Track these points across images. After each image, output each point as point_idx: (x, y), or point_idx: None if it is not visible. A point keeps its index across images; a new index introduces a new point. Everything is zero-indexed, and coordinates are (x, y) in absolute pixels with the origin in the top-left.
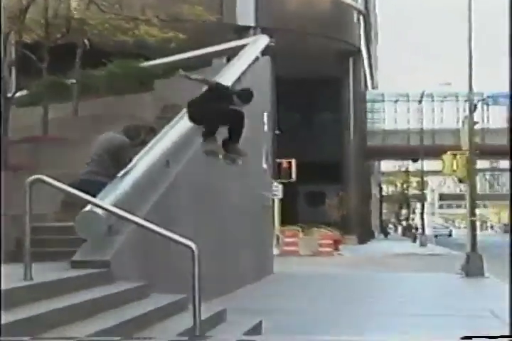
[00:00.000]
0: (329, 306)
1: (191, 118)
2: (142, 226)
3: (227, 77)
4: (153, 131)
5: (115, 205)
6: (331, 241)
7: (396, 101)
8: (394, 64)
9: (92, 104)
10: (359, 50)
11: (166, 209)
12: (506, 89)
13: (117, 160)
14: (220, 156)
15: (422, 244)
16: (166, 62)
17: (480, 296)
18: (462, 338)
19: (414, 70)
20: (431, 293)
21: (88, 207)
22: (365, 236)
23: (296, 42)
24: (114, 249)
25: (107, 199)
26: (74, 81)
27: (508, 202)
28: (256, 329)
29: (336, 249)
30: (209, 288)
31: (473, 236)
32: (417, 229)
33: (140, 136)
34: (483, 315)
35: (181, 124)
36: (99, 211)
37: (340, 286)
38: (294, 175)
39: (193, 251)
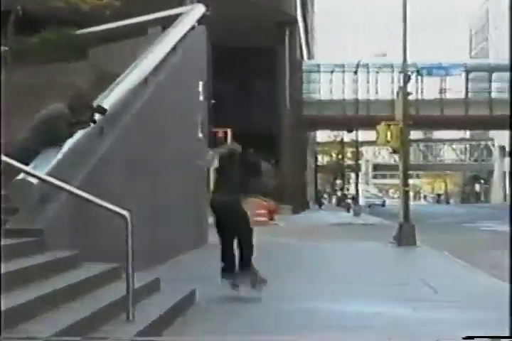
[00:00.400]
0: (263, 274)
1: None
2: (75, 195)
3: (163, 46)
4: (103, 111)
5: (49, 174)
6: (265, 211)
7: (332, 72)
8: (330, 34)
9: (25, 71)
10: (295, 20)
11: (100, 178)
12: (439, 60)
13: (53, 129)
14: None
15: (356, 214)
16: (101, 30)
17: (412, 265)
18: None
19: (350, 41)
20: (363, 262)
21: (21, 176)
22: (300, 206)
23: (233, 11)
24: (47, 218)
25: (41, 168)
26: (6, 48)
27: (441, 172)
28: (190, 298)
29: (271, 219)
30: (143, 256)
31: (406, 206)
32: (353, 198)
33: (86, 114)
34: (414, 283)
35: (116, 92)
36: (32, 179)
37: (275, 255)
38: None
39: (126, 219)
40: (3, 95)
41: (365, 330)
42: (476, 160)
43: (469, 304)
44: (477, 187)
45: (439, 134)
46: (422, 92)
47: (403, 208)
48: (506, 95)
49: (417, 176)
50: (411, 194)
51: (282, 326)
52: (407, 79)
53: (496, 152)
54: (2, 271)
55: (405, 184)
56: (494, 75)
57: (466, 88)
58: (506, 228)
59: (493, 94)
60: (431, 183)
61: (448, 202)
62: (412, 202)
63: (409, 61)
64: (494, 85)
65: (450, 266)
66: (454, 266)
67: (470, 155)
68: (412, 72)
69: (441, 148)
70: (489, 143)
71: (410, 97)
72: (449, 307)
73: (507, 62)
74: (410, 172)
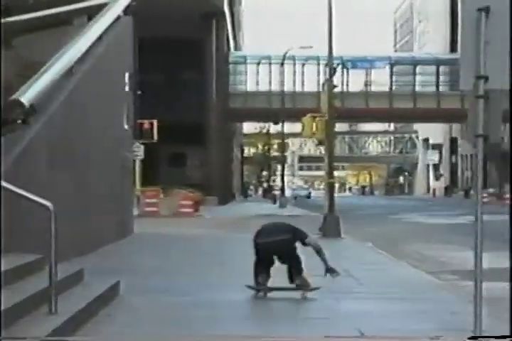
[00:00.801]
0: (189, 266)
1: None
2: None
3: (88, 36)
4: (34, 112)
5: None
6: (191, 202)
7: (258, 64)
8: (258, 26)
9: None
10: (222, 12)
11: (24, 169)
12: (365, 53)
13: None
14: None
15: (282, 206)
16: (25, 19)
17: (336, 256)
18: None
19: (277, 33)
20: None
21: None
22: (226, 197)
23: (160, 1)
24: None
25: None
26: None
27: (366, 164)
28: (113, 290)
29: (196, 210)
30: (68, 247)
31: (331, 198)
32: (281, 190)
33: (15, 111)
34: None
35: (41, 82)
36: None
37: (200, 247)
38: (155, 136)
39: (50, 210)
40: None
41: (289, 321)
42: (400, 153)
43: (392, 295)
44: (401, 179)
45: (364, 127)
46: (347, 85)
47: (328, 200)
48: (430, 88)
49: (343, 168)
50: (336, 186)
51: (203, 317)
52: (332, 71)
53: (419, 144)
54: None
55: (330, 176)
56: (418, 68)
57: (391, 81)
58: (428, 220)
59: (417, 88)
60: (356, 175)
61: (372, 194)
62: (337, 194)
63: (334, 53)
64: (418, 78)
65: (374, 257)
66: (378, 257)
67: (394, 147)
68: (338, 65)
69: (367, 140)
70: (413, 135)
71: (336, 90)
72: (372, 299)
73: (430, 55)
74: (336, 164)
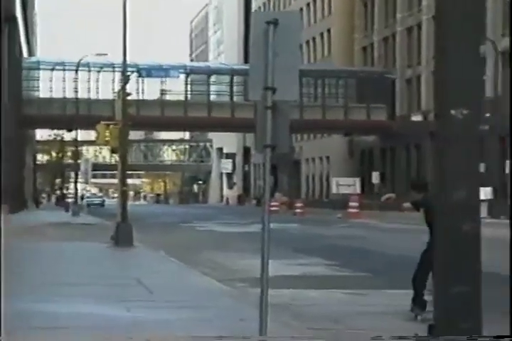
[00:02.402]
0: None
1: None
2: None
3: None
4: None
5: None
6: None
7: (52, 70)
8: (53, 32)
9: None
10: (14, 16)
11: None
12: (161, 62)
13: None
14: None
15: (75, 214)
16: None
17: (127, 265)
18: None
19: (73, 39)
20: (79, 263)
21: None
22: (17, 205)
23: None
24: None
25: None
26: None
27: (161, 173)
28: None
29: None
30: None
31: (124, 206)
32: (75, 198)
33: None
34: (129, 283)
35: None
36: None
37: None
38: None
39: None
40: None
41: (79, 331)
42: (195, 161)
43: (184, 303)
44: (195, 187)
45: (160, 135)
46: (142, 93)
47: (121, 208)
48: (224, 98)
49: (138, 176)
50: (131, 194)
51: None
52: (126, 79)
53: (214, 153)
54: None
55: (123, 184)
56: (213, 78)
57: (186, 90)
58: (221, 228)
59: (212, 97)
60: (151, 183)
61: (167, 202)
62: (132, 202)
63: (130, 62)
64: (213, 88)
65: (165, 265)
66: (170, 265)
67: (189, 156)
68: (132, 73)
69: (162, 148)
70: (208, 144)
71: (131, 98)
72: (164, 307)
73: (225, 65)
74: (130, 172)
